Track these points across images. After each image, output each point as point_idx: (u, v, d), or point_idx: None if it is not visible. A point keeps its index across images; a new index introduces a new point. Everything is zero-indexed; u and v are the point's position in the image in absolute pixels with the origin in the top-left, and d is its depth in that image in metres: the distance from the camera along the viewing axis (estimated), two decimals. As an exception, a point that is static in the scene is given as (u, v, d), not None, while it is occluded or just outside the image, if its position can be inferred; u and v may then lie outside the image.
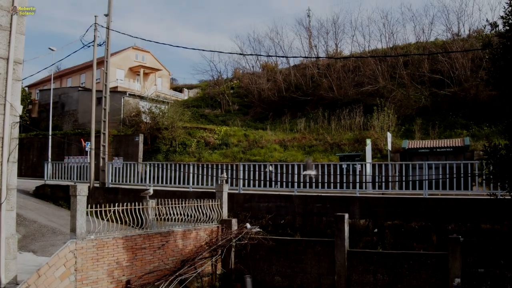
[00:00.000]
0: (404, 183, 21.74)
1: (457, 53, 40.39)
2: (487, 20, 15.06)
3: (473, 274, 16.20)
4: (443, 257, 16.53)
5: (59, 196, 29.25)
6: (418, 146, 29.43)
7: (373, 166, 23.83)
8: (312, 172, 20.74)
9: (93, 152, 28.37)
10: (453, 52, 40.48)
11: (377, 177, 23.31)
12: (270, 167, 25.73)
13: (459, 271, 16.09)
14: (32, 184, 33.02)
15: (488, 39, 15.56)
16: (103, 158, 28.27)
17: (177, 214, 18.06)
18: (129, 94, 51.58)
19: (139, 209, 16.43)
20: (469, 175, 20.19)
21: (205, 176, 26.41)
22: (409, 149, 29.37)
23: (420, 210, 19.35)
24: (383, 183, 22.36)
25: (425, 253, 17.46)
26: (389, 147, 30.12)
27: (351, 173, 24.10)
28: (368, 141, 28.89)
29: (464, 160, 23.57)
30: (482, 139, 30.82)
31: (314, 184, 23.05)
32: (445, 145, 28.57)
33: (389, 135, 30.39)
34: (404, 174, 22.31)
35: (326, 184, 22.98)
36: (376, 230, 19.80)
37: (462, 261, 16.16)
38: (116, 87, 63.91)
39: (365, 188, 22.48)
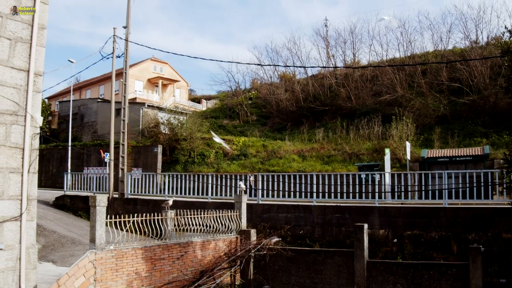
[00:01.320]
0: (423, 192, 21.58)
1: (476, 61, 40.08)
2: (505, 27, 14.98)
3: (495, 285, 16.00)
4: (464, 267, 16.35)
5: (79, 207, 29.48)
6: (437, 155, 29.25)
7: (392, 175, 23.73)
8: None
9: (112, 163, 28.54)
10: (472, 60, 40.19)
11: (396, 187, 23.19)
12: (252, 177, 25.92)
13: (480, 281, 15.90)
14: (52, 194, 33.32)
15: (507, 46, 15.46)
16: (122, 169, 28.43)
17: (196, 224, 18.10)
18: (147, 105, 51.88)
19: (158, 219, 16.50)
20: (489, 184, 20.01)
21: (223, 187, 26.45)
22: (428, 158, 29.19)
23: (440, 219, 19.18)
24: (402, 193, 22.23)
25: (446, 263, 17.28)
26: (408, 156, 29.97)
27: (370, 183, 24.03)
28: (387, 151, 28.76)
29: (484, 169, 23.43)
30: (502, 147, 30.52)
31: (333, 194, 22.96)
32: (465, 154, 28.35)
33: (408, 144, 30.24)
34: (423, 184, 22.14)
35: (345, 194, 22.88)
36: (395, 240, 19.67)
37: (483, 271, 15.96)
38: (135, 98, 64.29)
39: (384, 198, 22.35)
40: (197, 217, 18.12)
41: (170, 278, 16.39)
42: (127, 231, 15.14)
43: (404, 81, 45.56)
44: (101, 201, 14.17)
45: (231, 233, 19.55)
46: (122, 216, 15.29)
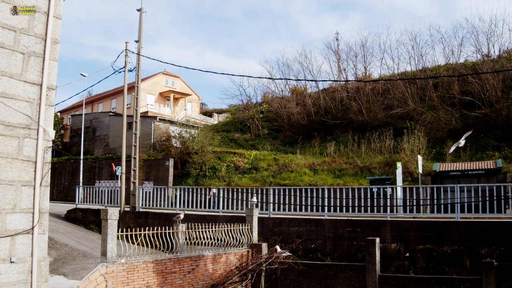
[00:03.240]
0: (435, 206, 21.46)
1: (488, 74, 39.94)
2: (517, 41, 14.93)
3: (508, 300, 15.87)
4: (477, 282, 16.21)
5: (90, 220, 29.55)
6: (449, 169, 29.08)
7: (404, 189, 23.60)
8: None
9: (123, 176, 28.61)
10: (483, 73, 40.04)
11: (408, 201, 23.06)
12: (214, 189, 26.10)
13: (493, 296, 15.76)
14: (63, 208, 33.43)
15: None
16: (134, 183, 28.49)
17: (207, 238, 18.07)
18: (159, 119, 52.08)
19: (169, 233, 16.50)
20: (502, 197, 19.87)
21: (235, 200, 26.42)
22: (440, 172, 29.03)
23: (453, 233, 19.03)
24: (414, 207, 22.10)
25: (458, 277, 17.13)
26: (420, 170, 29.83)
27: (381, 196, 23.95)
28: (399, 164, 28.64)
29: (496, 183, 23.23)
30: (515, 161, 30.37)
31: (344, 208, 22.87)
32: (477, 168, 28.16)
33: (419, 158, 30.09)
34: (435, 197, 22.01)
35: (356, 208, 22.79)
36: (407, 254, 19.53)
37: (496, 286, 15.83)
38: (147, 112, 64.57)
39: (396, 212, 22.22)
40: (208, 231, 18.10)
41: (181, 291, 16.35)
42: (138, 244, 15.14)
43: (416, 94, 45.46)
44: (113, 214, 14.19)
45: (242, 246, 19.51)
46: (133, 229, 15.31)
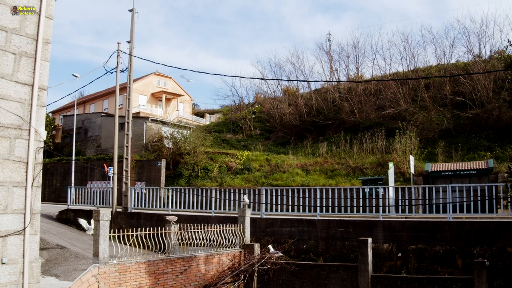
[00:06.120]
0: (427, 206, 21.50)
1: (479, 74, 40.03)
2: (508, 41, 14.99)
3: (500, 299, 15.90)
4: (469, 282, 16.24)
5: (82, 221, 29.46)
6: (441, 169, 29.12)
7: (396, 189, 23.63)
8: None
9: (115, 177, 28.55)
10: (475, 74, 40.14)
11: (400, 201, 23.09)
12: (144, 190, 26.62)
13: (485, 295, 15.78)
14: (55, 208, 33.36)
15: (510, 60, 15.45)
16: (126, 183, 28.44)
17: (200, 239, 18.06)
18: (151, 120, 51.94)
19: (161, 233, 16.48)
20: (494, 197, 19.93)
21: (227, 201, 26.39)
22: (432, 172, 29.07)
23: (445, 233, 19.08)
24: (407, 207, 22.13)
25: (450, 277, 17.16)
26: (412, 170, 29.89)
27: (374, 197, 23.96)
28: (391, 165, 28.68)
29: (488, 183, 23.29)
30: (506, 161, 30.43)
31: (336, 208, 22.88)
32: (469, 168, 28.21)
33: (411, 158, 30.17)
34: (427, 198, 22.03)
35: (349, 208, 22.80)
36: (399, 254, 19.56)
37: (488, 286, 15.86)
38: (139, 112, 64.42)
39: (388, 212, 22.25)
40: (201, 231, 18.09)
41: (174, 292, 16.32)
42: (130, 245, 15.11)
43: (408, 95, 45.54)
44: (105, 215, 14.16)
45: (234, 247, 19.49)
46: (125, 230, 15.28)
